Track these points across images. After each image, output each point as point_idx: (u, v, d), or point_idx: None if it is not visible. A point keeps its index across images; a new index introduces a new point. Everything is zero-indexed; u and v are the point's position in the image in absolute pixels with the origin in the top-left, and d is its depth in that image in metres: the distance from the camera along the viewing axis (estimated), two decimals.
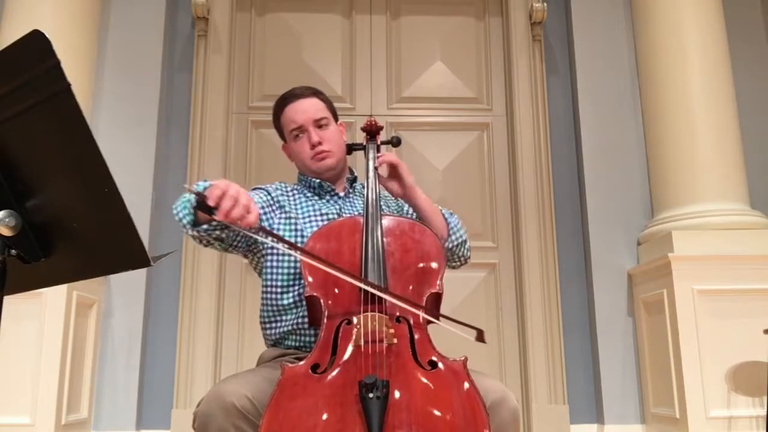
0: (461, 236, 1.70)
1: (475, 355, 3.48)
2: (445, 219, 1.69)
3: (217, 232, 1.46)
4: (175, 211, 1.46)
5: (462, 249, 1.72)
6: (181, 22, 3.69)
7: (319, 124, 1.69)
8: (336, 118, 1.76)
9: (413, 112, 3.78)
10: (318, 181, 1.71)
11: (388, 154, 1.65)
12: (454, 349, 1.38)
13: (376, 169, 1.64)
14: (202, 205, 1.27)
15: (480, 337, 1.32)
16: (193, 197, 1.41)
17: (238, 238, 1.57)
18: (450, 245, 1.67)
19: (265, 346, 1.67)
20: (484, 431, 1.16)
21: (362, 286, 1.36)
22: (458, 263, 1.75)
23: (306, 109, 1.69)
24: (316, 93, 1.74)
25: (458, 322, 1.33)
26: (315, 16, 3.85)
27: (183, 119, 3.56)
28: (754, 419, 2.78)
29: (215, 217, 1.26)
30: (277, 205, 1.67)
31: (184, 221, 1.44)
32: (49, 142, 0.95)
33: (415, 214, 1.69)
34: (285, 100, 1.72)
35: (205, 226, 1.44)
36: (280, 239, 1.48)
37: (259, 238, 1.45)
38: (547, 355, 3.33)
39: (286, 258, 1.59)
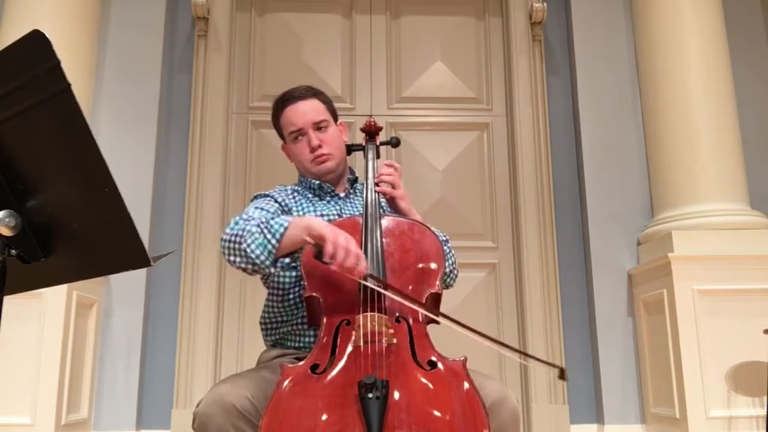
0: (449, 266, 1.66)
1: (475, 355, 3.47)
2: None
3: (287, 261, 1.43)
4: (248, 249, 1.37)
5: (448, 278, 1.68)
6: (181, 22, 3.69)
7: (318, 126, 1.68)
8: (336, 118, 1.75)
9: (413, 112, 3.78)
10: (317, 182, 1.71)
11: (390, 176, 1.63)
12: (454, 349, 1.38)
13: (374, 169, 1.64)
14: (319, 257, 1.33)
15: (562, 375, 1.29)
16: (271, 238, 1.37)
17: None
18: None
19: (264, 346, 1.67)
20: (484, 431, 1.16)
21: (369, 285, 1.36)
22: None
23: (305, 112, 1.67)
24: (316, 94, 1.72)
25: (535, 359, 1.34)
26: (315, 16, 3.85)
27: (183, 119, 3.56)
28: (754, 419, 2.78)
29: (332, 267, 1.31)
30: (286, 209, 1.66)
31: (267, 263, 1.38)
32: (49, 142, 0.95)
33: None
34: (284, 101, 1.70)
35: (287, 260, 1.40)
36: (396, 291, 1.38)
37: (370, 285, 1.35)
38: (547, 355, 3.33)
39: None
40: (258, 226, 1.39)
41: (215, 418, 1.25)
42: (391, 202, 1.65)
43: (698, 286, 2.90)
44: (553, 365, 1.29)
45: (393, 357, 1.27)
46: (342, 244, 1.30)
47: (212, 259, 3.35)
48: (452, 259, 1.69)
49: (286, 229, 1.37)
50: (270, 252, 1.37)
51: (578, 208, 3.56)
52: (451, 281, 1.72)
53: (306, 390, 1.22)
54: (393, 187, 1.64)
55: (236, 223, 1.43)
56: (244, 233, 1.39)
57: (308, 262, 1.45)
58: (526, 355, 1.36)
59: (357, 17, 3.87)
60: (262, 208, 1.56)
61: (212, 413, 1.26)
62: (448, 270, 1.66)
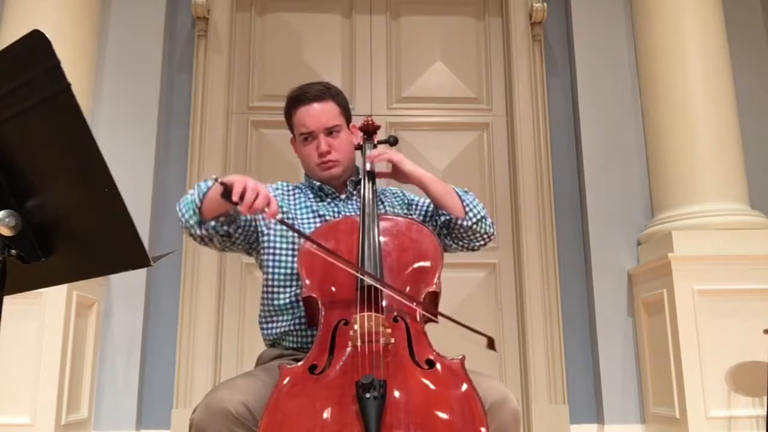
0: (479, 212, 1.65)
1: (475, 355, 3.46)
2: (460, 198, 1.65)
3: (225, 228, 1.51)
4: (179, 213, 1.51)
5: (483, 225, 1.66)
6: (181, 22, 3.69)
7: (330, 131, 1.64)
8: (349, 121, 1.71)
9: (413, 112, 3.78)
10: (318, 183, 1.70)
11: (381, 153, 1.64)
12: (453, 349, 1.38)
13: (370, 171, 1.63)
14: (227, 196, 1.34)
15: (491, 345, 1.31)
16: (196, 197, 1.48)
17: (239, 234, 1.59)
18: (468, 223, 1.63)
19: (264, 346, 1.67)
20: (482, 430, 1.16)
21: (365, 279, 1.37)
22: (482, 242, 1.69)
23: (318, 116, 1.63)
24: (333, 95, 1.66)
25: (469, 328, 1.32)
26: (315, 16, 3.85)
27: (183, 119, 3.56)
28: (754, 419, 2.78)
29: (240, 210, 1.33)
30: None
31: (191, 222, 1.49)
32: (49, 142, 0.95)
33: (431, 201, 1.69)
34: (299, 100, 1.65)
35: (213, 223, 1.49)
36: (295, 230, 1.49)
37: (276, 227, 1.53)
38: (547, 355, 3.33)
39: (284, 257, 1.59)
40: (193, 188, 1.51)
41: (211, 425, 1.25)
42: (396, 173, 1.64)
43: (698, 286, 2.90)
44: (483, 334, 1.31)
45: (391, 357, 1.27)
46: (251, 186, 1.33)
47: (212, 259, 3.35)
48: (479, 206, 1.67)
49: (209, 188, 1.45)
50: (194, 211, 1.47)
51: (578, 208, 3.56)
52: (488, 228, 1.67)
53: (304, 390, 1.23)
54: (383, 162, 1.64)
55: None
56: (184, 197, 1.52)
57: (306, 261, 1.45)
58: (461, 324, 1.36)
59: (357, 17, 3.87)
60: None
61: (208, 420, 1.26)
62: (477, 218, 1.64)
